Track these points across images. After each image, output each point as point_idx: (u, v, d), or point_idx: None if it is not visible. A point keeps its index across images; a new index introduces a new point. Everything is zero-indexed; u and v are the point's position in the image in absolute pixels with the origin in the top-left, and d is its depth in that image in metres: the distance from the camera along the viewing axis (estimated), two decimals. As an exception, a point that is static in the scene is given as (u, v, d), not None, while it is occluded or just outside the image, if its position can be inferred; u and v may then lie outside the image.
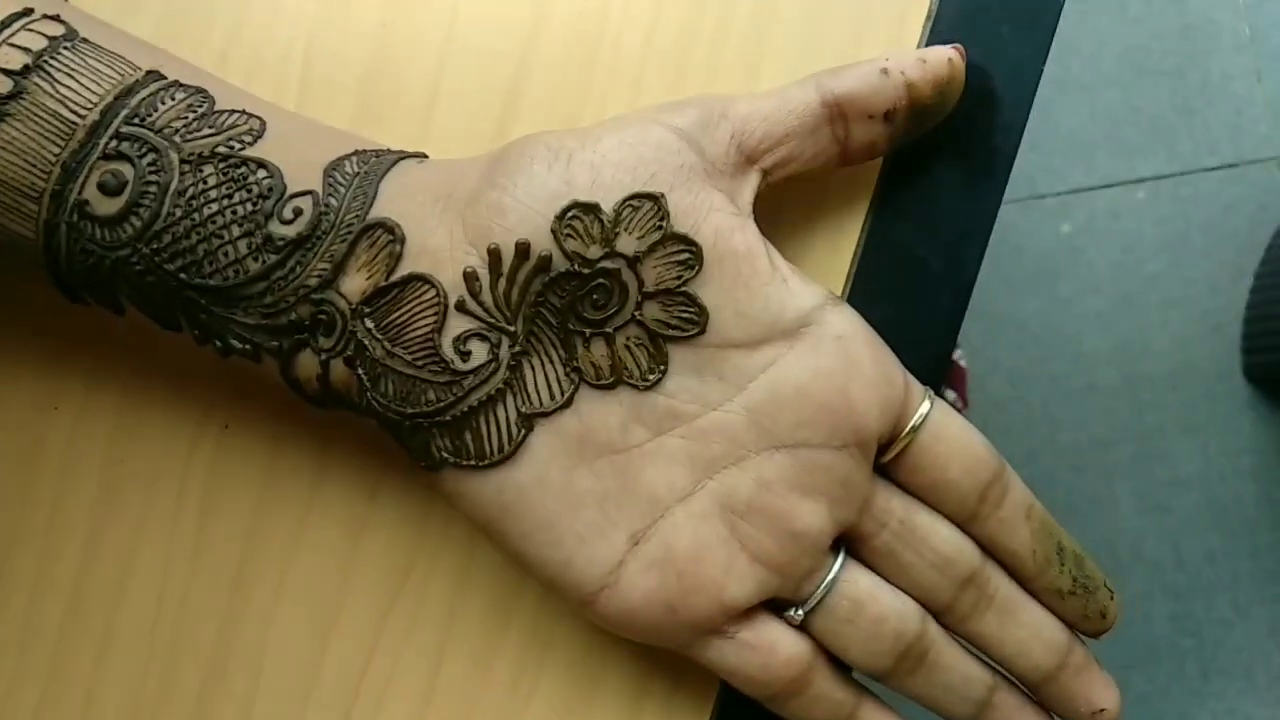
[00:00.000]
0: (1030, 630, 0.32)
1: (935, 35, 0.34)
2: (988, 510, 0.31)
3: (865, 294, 0.35)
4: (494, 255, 0.28)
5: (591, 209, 0.28)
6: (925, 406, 0.31)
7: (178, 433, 0.35)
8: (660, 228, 0.29)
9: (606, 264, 0.28)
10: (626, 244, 0.29)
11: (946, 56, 0.31)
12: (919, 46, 0.34)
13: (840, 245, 0.35)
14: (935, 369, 0.34)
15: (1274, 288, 1.15)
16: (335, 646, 0.35)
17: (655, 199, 0.28)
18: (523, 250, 0.28)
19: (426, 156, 0.31)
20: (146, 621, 0.35)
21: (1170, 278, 1.20)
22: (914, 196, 0.35)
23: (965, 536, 0.31)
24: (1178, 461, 1.19)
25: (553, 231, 0.28)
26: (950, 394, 1.14)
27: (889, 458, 0.31)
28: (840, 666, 0.32)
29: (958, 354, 1.14)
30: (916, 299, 0.35)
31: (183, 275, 0.28)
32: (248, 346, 0.29)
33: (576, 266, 0.28)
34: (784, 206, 0.34)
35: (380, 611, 0.35)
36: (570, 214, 0.28)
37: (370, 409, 0.29)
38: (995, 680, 0.32)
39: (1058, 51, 1.28)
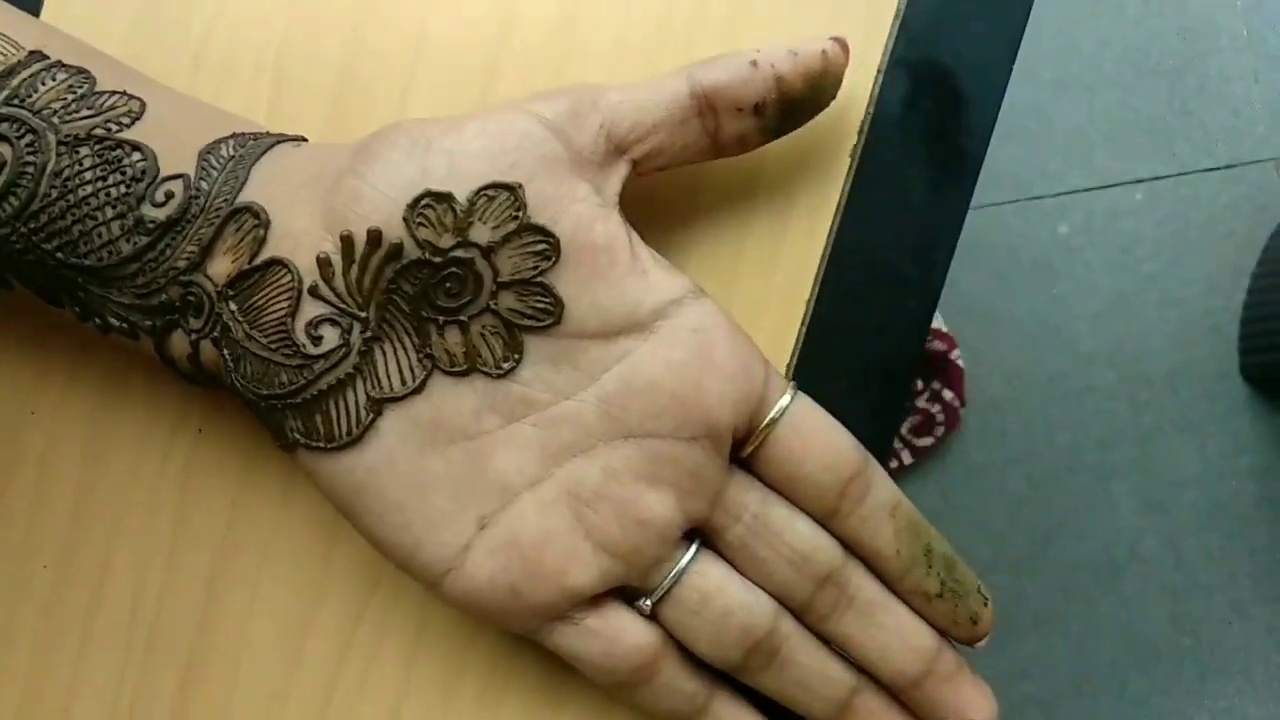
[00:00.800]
0: (894, 633, 0.31)
1: (904, 34, 0.34)
2: (848, 507, 0.31)
3: (833, 296, 0.35)
4: (346, 242, 0.28)
5: (444, 198, 0.28)
6: (785, 400, 0.31)
7: (153, 437, 0.35)
8: (516, 218, 0.28)
9: (459, 253, 0.28)
10: (480, 233, 0.28)
11: (820, 49, 0.31)
12: (888, 45, 0.34)
13: (809, 247, 0.35)
14: (903, 370, 0.34)
15: (1272, 288, 1.15)
16: (310, 647, 0.35)
17: (512, 189, 0.28)
18: (374, 238, 0.28)
19: (305, 140, 0.31)
20: (124, 622, 0.35)
21: (1168, 278, 1.20)
22: (882, 198, 0.35)
23: (826, 534, 0.31)
24: (1176, 461, 1.19)
25: (405, 220, 0.28)
26: (948, 394, 1.14)
27: (747, 451, 0.31)
28: (698, 660, 0.32)
29: (955, 354, 1.14)
30: (885, 301, 0.34)
31: (59, 255, 0.28)
32: (124, 325, 0.29)
33: (428, 255, 0.28)
34: (753, 208, 0.34)
35: (355, 612, 0.35)
36: (423, 203, 0.28)
37: (234, 389, 0.30)
38: (859, 682, 0.32)
39: (1057, 52, 1.29)
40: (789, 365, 0.34)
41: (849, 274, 0.35)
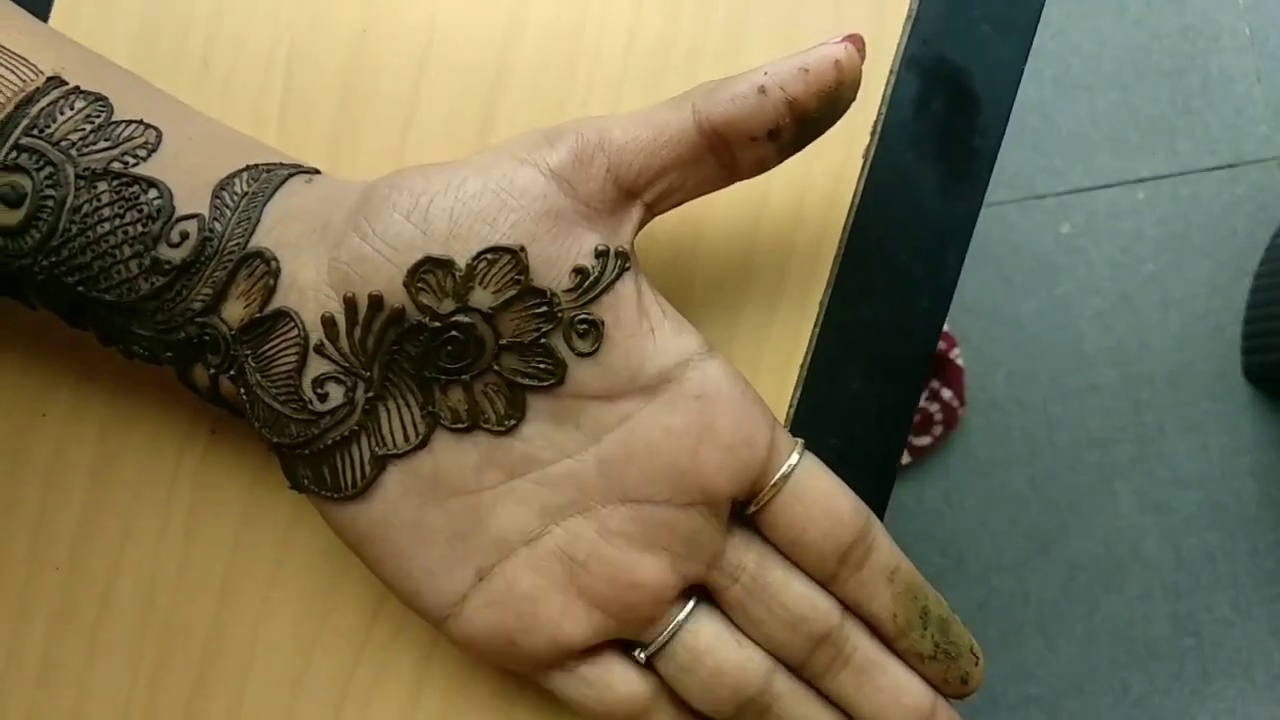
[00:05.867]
0: (889, 694, 0.31)
1: (915, 36, 0.34)
2: (847, 572, 0.31)
3: (846, 296, 0.35)
4: (349, 304, 0.28)
5: (444, 264, 0.28)
6: (787, 466, 0.31)
7: (165, 437, 0.35)
8: (518, 281, 0.28)
9: (460, 318, 0.28)
10: (481, 298, 0.28)
11: (833, 60, 0.28)
12: (900, 46, 0.34)
13: (821, 247, 0.35)
14: (915, 371, 0.34)
15: (1274, 288, 1.15)
16: (324, 646, 0.35)
17: (513, 252, 0.28)
18: (376, 302, 0.28)
19: (319, 172, 0.31)
20: (135, 625, 0.35)
21: (1170, 278, 1.20)
22: (894, 198, 0.35)
23: (824, 594, 0.31)
24: (1177, 461, 1.19)
25: (406, 285, 0.28)
26: (947, 393, 1.14)
27: (752, 511, 0.31)
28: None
29: (955, 352, 1.14)
30: (897, 301, 0.35)
31: (80, 289, 0.28)
32: (146, 353, 0.30)
33: (428, 320, 0.28)
34: (766, 207, 0.34)
35: (369, 612, 0.35)
36: (423, 269, 0.28)
37: (253, 426, 0.30)
38: None
39: (1058, 52, 1.29)
40: (802, 365, 0.35)
41: (862, 274, 0.35)
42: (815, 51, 0.29)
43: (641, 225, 0.30)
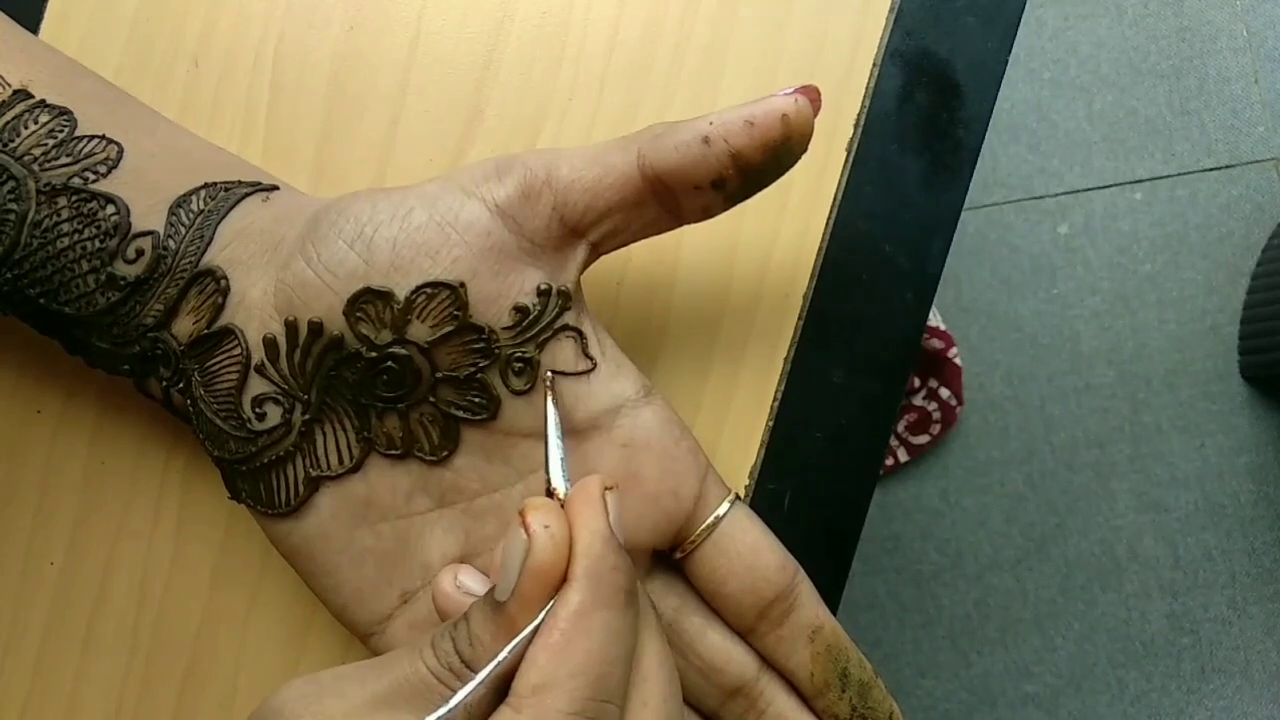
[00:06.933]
0: None
1: (899, 27, 0.34)
2: (766, 628, 0.31)
3: (831, 289, 0.35)
4: (291, 328, 0.29)
5: (384, 295, 0.28)
6: (713, 517, 0.31)
7: (157, 435, 0.35)
8: (456, 317, 0.28)
9: (396, 350, 0.28)
10: (419, 331, 0.28)
11: (780, 113, 0.28)
12: (883, 39, 0.34)
13: (806, 240, 0.35)
14: (901, 363, 0.34)
15: (1271, 288, 1.15)
16: (314, 637, 0.35)
17: (453, 288, 0.28)
18: (316, 328, 0.28)
19: (277, 188, 0.31)
20: (128, 621, 0.35)
21: (1167, 278, 1.20)
22: (878, 190, 0.35)
23: (741, 646, 0.31)
24: (1175, 460, 1.19)
25: (345, 314, 0.28)
26: (945, 392, 1.14)
27: (678, 558, 0.31)
28: None
29: (953, 352, 1.14)
30: (882, 294, 0.35)
31: (41, 301, 0.29)
32: (105, 364, 0.30)
33: (365, 350, 0.28)
34: (749, 202, 0.34)
35: (354, 603, 0.35)
36: (362, 299, 0.28)
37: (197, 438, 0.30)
38: None
39: (1055, 53, 1.29)
40: (786, 358, 0.35)
41: (846, 266, 0.35)
42: (763, 103, 0.28)
43: (587, 264, 0.30)
